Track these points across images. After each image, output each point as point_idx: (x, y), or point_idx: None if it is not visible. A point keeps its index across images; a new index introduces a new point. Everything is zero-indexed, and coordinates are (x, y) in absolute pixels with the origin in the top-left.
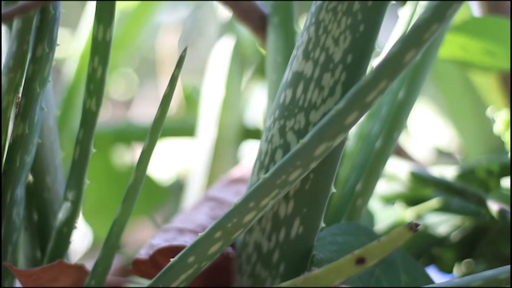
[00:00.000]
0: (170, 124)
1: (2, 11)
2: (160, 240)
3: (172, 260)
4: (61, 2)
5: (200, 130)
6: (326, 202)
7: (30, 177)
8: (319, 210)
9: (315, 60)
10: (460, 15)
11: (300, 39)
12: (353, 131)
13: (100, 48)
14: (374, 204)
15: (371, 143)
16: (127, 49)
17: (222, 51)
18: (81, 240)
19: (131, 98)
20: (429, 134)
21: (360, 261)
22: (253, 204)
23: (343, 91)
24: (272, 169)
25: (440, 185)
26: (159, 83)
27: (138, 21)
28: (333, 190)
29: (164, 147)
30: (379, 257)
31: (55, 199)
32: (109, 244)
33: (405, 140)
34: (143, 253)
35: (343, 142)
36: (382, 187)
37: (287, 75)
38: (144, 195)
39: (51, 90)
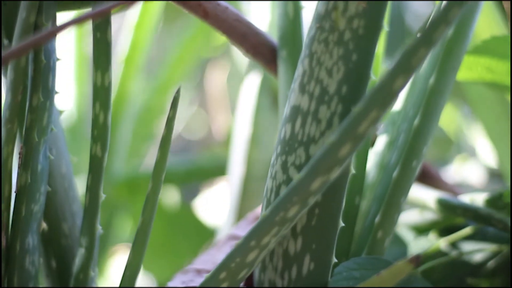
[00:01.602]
0: (214, 163)
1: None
2: (178, 282)
3: None
4: (55, 49)
5: (230, 167)
6: (335, 237)
7: (45, 225)
8: (328, 246)
9: (311, 93)
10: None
11: (296, 72)
12: (374, 161)
13: (100, 94)
14: (408, 235)
15: (390, 173)
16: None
17: (250, 87)
18: (144, 284)
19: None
20: (485, 157)
21: None
22: (254, 242)
23: (340, 123)
24: (270, 207)
25: (468, 212)
26: (210, 119)
27: (184, 59)
28: (341, 224)
29: (219, 187)
30: None
31: (74, 246)
32: None
33: (461, 163)
34: None
35: (345, 175)
36: (415, 217)
37: (286, 109)
38: (194, 237)
39: (63, 137)
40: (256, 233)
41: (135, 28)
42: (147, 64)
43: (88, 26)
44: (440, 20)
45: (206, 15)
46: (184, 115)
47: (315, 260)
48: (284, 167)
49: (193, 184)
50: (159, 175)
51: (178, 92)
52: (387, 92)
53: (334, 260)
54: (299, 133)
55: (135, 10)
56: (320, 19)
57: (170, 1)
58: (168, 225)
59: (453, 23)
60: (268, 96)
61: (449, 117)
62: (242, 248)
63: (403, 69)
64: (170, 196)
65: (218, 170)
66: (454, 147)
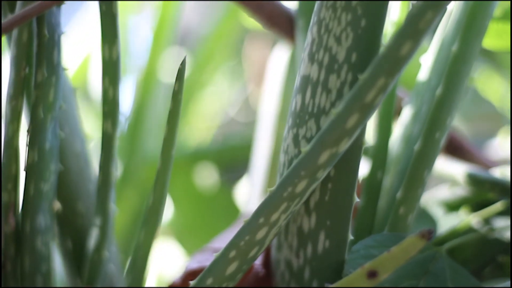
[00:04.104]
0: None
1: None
2: (194, 262)
3: (191, 283)
4: (60, 23)
5: (257, 143)
6: (351, 213)
7: (59, 205)
8: (343, 222)
9: (320, 62)
10: None
11: (306, 41)
12: (399, 134)
13: (108, 68)
14: (437, 211)
15: (412, 146)
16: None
17: (278, 60)
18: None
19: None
20: None
21: (372, 274)
22: (263, 220)
23: None
24: (278, 182)
25: (496, 187)
26: (249, 92)
27: (224, 33)
28: (356, 199)
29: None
30: (392, 269)
31: (91, 226)
32: (135, 270)
33: (505, 137)
34: (179, 276)
35: (359, 148)
36: (445, 192)
37: (297, 80)
38: (227, 216)
39: (76, 115)
40: (265, 209)
41: (163, 3)
42: (186, 39)
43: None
44: None
45: None
46: (236, 97)
47: (330, 237)
48: (296, 140)
49: (237, 167)
50: (168, 152)
51: (183, 63)
52: (394, 58)
53: (351, 237)
54: (309, 104)
55: None
56: None
57: None
58: (204, 205)
59: None
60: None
61: (497, 89)
62: (251, 225)
63: (410, 33)
64: (208, 177)
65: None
66: (502, 120)
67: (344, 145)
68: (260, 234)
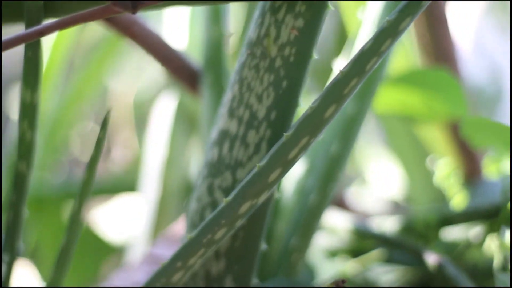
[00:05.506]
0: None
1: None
2: None
3: None
4: None
5: (143, 188)
6: (257, 259)
7: None
8: (250, 267)
9: (240, 118)
10: (399, 66)
11: (226, 97)
12: (292, 187)
13: (28, 112)
14: (316, 258)
15: (306, 198)
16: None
17: (164, 110)
18: None
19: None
20: (389, 186)
21: None
22: (181, 264)
23: (268, 148)
24: (197, 229)
25: (379, 239)
26: (112, 142)
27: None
28: (264, 246)
29: (121, 203)
30: None
31: None
32: None
33: (361, 191)
34: None
35: (270, 199)
36: (324, 240)
37: (214, 133)
38: (93, 254)
39: None
40: (183, 254)
41: (52, 47)
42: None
43: None
44: (372, 52)
45: (133, 37)
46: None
47: (237, 281)
48: (210, 189)
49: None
50: (85, 194)
51: (108, 113)
52: (318, 120)
53: (255, 280)
54: (227, 157)
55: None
56: (252, 45)
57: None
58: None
59: (385, 54)
60: (183, 120)
61: None
62: (168, 268)
63: (334, 98)
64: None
65: (118, 189)
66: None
67: (264, 197)
68: (176, 277)
